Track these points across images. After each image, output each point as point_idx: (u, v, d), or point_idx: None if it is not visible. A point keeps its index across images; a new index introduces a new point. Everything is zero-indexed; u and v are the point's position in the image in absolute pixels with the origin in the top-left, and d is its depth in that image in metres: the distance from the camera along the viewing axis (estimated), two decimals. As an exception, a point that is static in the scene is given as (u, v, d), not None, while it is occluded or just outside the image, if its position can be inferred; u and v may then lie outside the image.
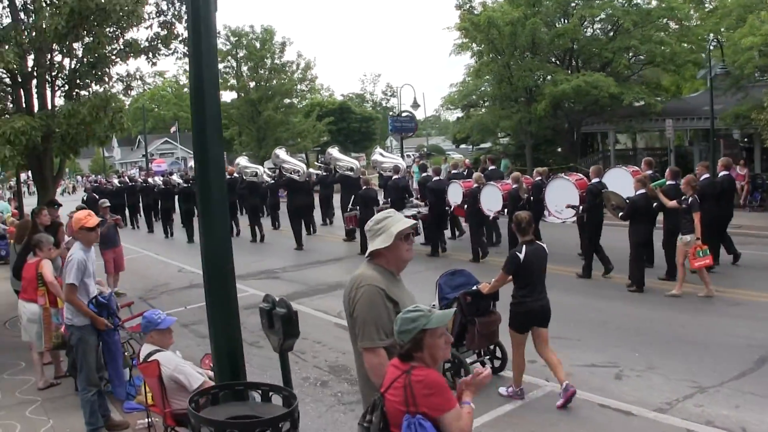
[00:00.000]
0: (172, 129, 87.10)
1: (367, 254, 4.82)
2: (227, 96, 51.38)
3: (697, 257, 12.78)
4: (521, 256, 8.17)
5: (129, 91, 15.95)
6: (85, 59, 14.83)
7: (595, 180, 15.40)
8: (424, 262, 17.97)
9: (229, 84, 50.63)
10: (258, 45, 49.87)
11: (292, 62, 51.28)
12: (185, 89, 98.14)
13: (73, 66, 14.92)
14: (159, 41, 15.62)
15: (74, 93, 14.87)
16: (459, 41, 35.37)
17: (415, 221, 4.90)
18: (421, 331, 4.01)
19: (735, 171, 25.19)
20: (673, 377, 9.10)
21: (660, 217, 14.88)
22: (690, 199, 13.02)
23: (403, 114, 35.72)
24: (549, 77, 31.07)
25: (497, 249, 18.94)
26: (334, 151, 26.02)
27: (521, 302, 8.26)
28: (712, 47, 25.07)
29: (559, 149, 37.09)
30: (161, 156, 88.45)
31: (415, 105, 35.99)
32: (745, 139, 29.99)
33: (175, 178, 30.62)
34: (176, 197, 27.50)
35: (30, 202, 29.94)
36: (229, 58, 49.93)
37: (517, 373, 8.54)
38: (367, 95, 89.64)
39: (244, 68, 50.46)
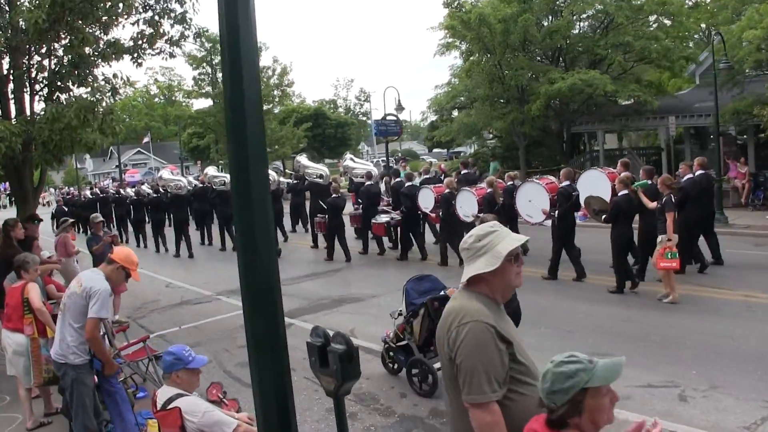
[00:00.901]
0: (145, 139, 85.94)
1: (464, 279, 3.83)
2: (203, 103, 50.19)
3: (665, 259, 12.58)
4: None
5: (115, 95, 14.23)
6: (65, 59, 13.62)
7: (565, 183, 15.36)
8: (394, 266, 18.58)
9: (204, 91, 49.50)
10: (233, 51, 48.53)
11: (268, 67, 50.14)
12: (156, 99, 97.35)
13: (53, 67, 13.74)
14: (144, 40, 14.36)
15: (55, 96, 13.62)
16: (444, 41, 34.73)
17: (526, 237, 3.94)
18: (582, 390, 2.96)
19: (735, 169, 24.49)
20: (743, 397, 8.27)
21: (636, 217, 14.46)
22: (664, 199, 12.91)
23: (388, 117, 34.71)
24: (542, 76, 30.03)
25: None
26: (302, 159, 26.82)
27: None
28: (714, 41, 24.16)
29: (545, 150, 36.41)
30: (134, 166, 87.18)
31: (399, 108, 34.95)
32: (744, 136, 29.36)
33: (145, 188, 30.56)
34: (146, 207, 27.74)
35: (6, 216, 28.61)
36: (204, 64, 48.72)
37: None
38: (340, 101, 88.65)
39: (220, 75, 49.15)
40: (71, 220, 15.60)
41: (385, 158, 74.19)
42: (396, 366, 9.63)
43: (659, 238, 12.83)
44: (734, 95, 25.44)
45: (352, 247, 20.62)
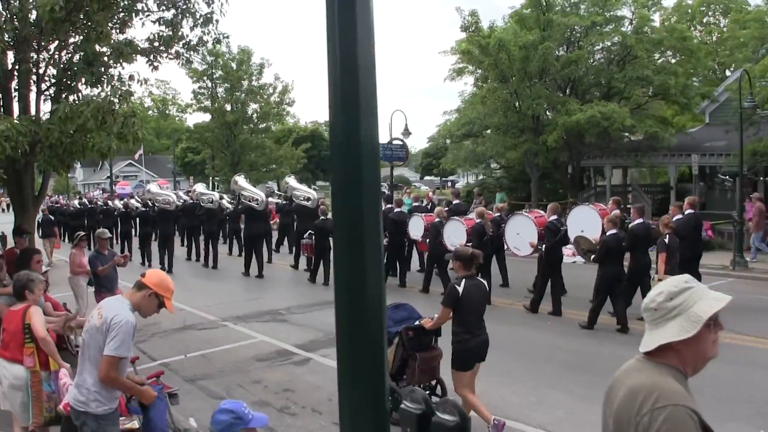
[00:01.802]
0: (138, 153, 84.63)
1: (650, 348, 3.06)
2: (201, 117, 49.20)
3: None
4: (460, 289, 8.01)
5: (129, 97, 12.46)
6: (78, 55, 12.45)
7: (552, 218, 15.46)
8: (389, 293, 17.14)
9: (203, 105, 48.48)
10: (234, 66, 47.65)
11: (270, 85, 49.14)
12: (150, 111, 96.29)
13: (63, 64, 12.51)
14: (160, 42, 13.21)
15: (63, 97, 12.35)
16: (456, 66, 33.69)
17: (729, 297, 3.06)
18: None
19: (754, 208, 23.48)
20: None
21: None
22: (659, 240, 13.21)
23: (394, 141, 33.62)
24: (560, 106, 29.05)
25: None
26: (291, 180, 26.82)
27: (462, 339, 8.08)
28: (730, 79, 23.35)
29: (548, 183, 35.50)
30: (125, 178, 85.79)
31: (407, 132, 33.92)
32: (760, 177, 28.55)
33: (134, 201, 30.93)
34: (133, 221, 28.12)
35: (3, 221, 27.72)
36: (205, 78, 47.67)
37: (480, 410, 8.14)
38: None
39: (220, 89, 48.19)
40: (83, 234, 14.45)
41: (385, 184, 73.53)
42: None
43: (653, 278, 13.14)
44: (749, 135, 24.47)
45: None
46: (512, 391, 10.19)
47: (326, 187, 54.92)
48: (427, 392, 8.87)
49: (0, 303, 8.84)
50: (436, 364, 8.95)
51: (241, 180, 25.40)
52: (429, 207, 22.59)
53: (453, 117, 35.99)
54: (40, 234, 25.91)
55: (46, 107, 12.68)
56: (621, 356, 9.76)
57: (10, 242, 19.37)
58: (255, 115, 48.74)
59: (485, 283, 8.61)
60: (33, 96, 12.55)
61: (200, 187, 29.30)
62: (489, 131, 31.57)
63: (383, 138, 40.17)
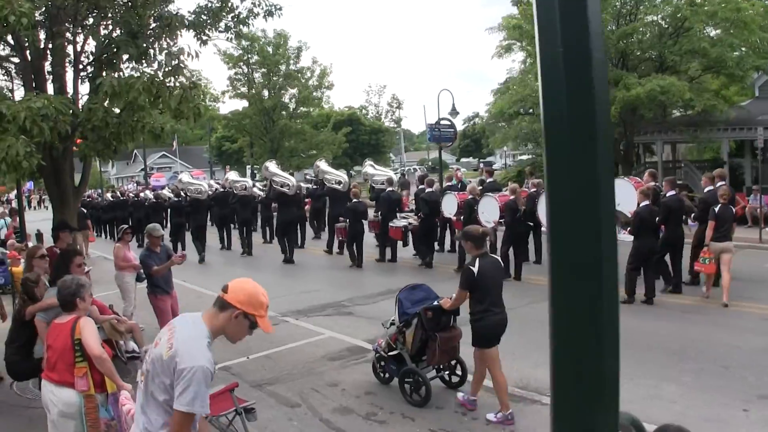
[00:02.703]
0: (174, 144, 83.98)
1: None
2: (237, 104, 48.20)
3: (698, 262, 13.81)
4: (475, 270, 7.96)
5: (181, 71, 10.53)
6: (121, 28, 10.97)
7: None
8: (414, 274, 17.83)
9: (239, 92, 47.36)
10: (271, 50, 46.51)
11: (307, 68, 48.01)
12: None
13: (104, 38, 11.10)
14: (208, 14, 11.87)
15: (104, 75, 10.88)
16: (505, 42, 32.44)
17: None
18: None
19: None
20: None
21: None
22: (717, 208, 13.46)
23: (442, 121, 32.31)
24: (613, 81, 27.56)
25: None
26: (322, 164, 26.60)
27: (482, 318, 8.03)
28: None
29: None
30: (159, 170, 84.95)
31: (454, 112, 32.65)
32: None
33: (166, 192, 30.53)
34: (165, 212, 28.08)
35: (36, 219, 26.92)
36: (241, 63, 46.57)
37: (501, 394, 8.15)
38: (371, 107, 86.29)
39: (257, 75, 47.08)
40: (129, 227, 13.24)
41: (417, 167, 71.94)
42: (386, 375, 9.61)
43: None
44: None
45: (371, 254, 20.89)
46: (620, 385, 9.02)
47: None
48: (447, 372, 9.42)
49: (38, 320, 7.71)
50: (456, 344, 8.93)
51: (272, 166, 24.99)
52: (459, 187, 22.41)
53: (498, 97, 34.60)
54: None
55: (84, 89, 11.39)
56: (717, 340, 11.14)
57: (47, 241, 18.37)
58: (293, 101, 47.65)
59: (499, 260, 8.76)
60: (70, 77, 11.30)
61: (233, 175, 29.60)
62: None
63: (431, 118, 38.91)
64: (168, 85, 9.74)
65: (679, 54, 28.05)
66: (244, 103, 48.57)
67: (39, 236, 19.79)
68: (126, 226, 13.50)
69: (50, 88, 10.97)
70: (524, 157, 60.49)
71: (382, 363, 9.56)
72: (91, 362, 6.00)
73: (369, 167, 27.08)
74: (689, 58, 28.08)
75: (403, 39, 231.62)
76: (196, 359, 3.90)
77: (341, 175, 25.66)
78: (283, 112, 46.96)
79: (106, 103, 9.65)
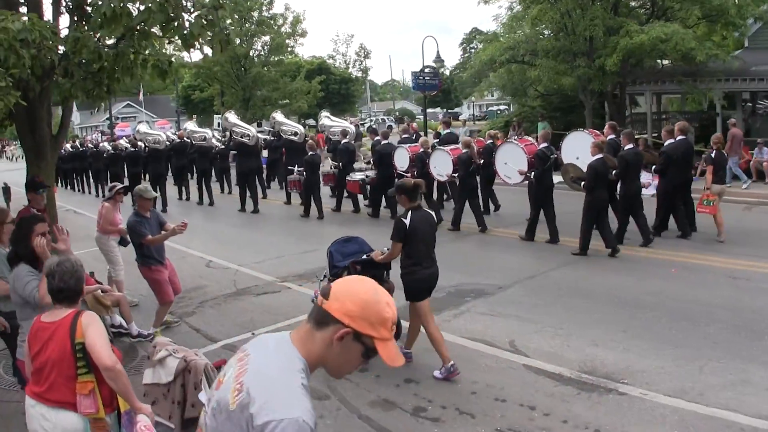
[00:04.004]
0: (140, 94, 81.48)
1: None
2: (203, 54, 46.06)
3: (702, 205, 14.18)
4: (407, 221, 7.91)
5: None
6: None
7: (543, 145, 15.24)
8: (367, 224, 17.98)
9: (209, 40, 45.33)
10: (243, -5, 44.64)
11: (280, 15, 46.19)
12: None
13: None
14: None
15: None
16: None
17: None
18: None
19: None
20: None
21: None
22: (714, 153, 14.33)
23: (426, 69, 30.78)
24: (618, 27, 26.20)
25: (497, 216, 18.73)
26: (278, 115, 26.48)
27: (412, 271, 8.03)
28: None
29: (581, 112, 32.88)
30: (124, 120, 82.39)
31: (439, 60, 31.22)
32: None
33: (122, 142, 29.93)
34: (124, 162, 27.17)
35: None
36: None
37: (438, 346, 8.03)
38: (339, 56, 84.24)
39: (228, 21, 44.94)
40: (122, 186, 11.55)
41: (384, 117, 70.40)
42: None
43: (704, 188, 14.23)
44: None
45: (326, 204, 20.75)
46: (698, 367, 7.95)
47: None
48: None
49: None
50: None
51: (231, 116, 25.68)
52: (414, 138, 21.93)
53: (487, 45, 33.03)
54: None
55: (64, 21, 9.30)
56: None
57: (17, 195, 16.57)
58: (265, 48, 45.83)
59: (432, 213, 8.51)
60: (48, 7, 9.40)
61: (191, 125, 29.50)
62: (541, 57, 28.55)
63: (415, 66, 37.26)
64: (185, 4, 7.77)
65: (678, 1, 26.69)
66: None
67: (6, 191, 17.66)
68: (120, 184, 11.69)
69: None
70: (500, 108, 59.30)
71: None
72: (99, 373, 4.45)
73: (325, 119, 27.31)
74: (689, 5, 26.68)
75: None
76: (285, 408, 2.41)
77: (297, 126, 25.94)
78: (255, 60, 45.01)
79: (98, 32, 7.78)
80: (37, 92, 8.69)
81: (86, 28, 7.97)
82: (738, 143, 22.45)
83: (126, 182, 24.49)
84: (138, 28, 7.71)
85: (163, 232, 9.76)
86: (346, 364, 2.72)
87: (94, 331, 4.44)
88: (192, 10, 7.56)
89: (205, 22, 7.71)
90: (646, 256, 13.41)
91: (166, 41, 8.47)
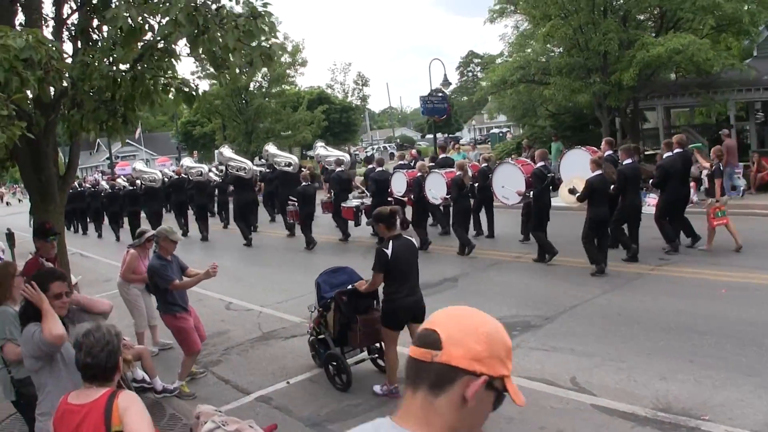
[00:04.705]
0: (137, 131, 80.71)
1: None
2: (206, 86, 45.38)
3: (716, 217, 14.09)
4: (389, 252, 7.79)
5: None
6: None
7: (540, 164, 15.15)
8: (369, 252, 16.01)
9: (209, 72, 44.73)
10: (243, 26, 43.99)
11: (281, 44, 45.47)
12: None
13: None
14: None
15: (96, 26, 7.98)
16: (498, 6, 30.66)
17: None
18: None
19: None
20: None
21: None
22: (715, 166, 14.41)
23: (433, 93, 30.03)
24: (632, 41, 25.47)
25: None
26: (270, 147, 27.01)
27: (392, 299, 7.96)
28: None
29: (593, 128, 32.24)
30: (123, 159, 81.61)
31: (446, 83, 30.46)
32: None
33: (120, 181, 30.57)
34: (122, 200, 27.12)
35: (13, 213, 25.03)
36: (212, 41, 43.97)
37: (391, 371, 8.13)
38: (337, 85, 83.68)
39: (267, 28, 44.42)
40: (151, 233, 10.48)
41: (386, 145, 69.74)
42: (320, 358, 9.29)
43: (708, 201, 14.42)
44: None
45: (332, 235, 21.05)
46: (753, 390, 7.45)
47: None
48: (376, 356, 9.23)
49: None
50: (378, 327, 8.43)
51: (226, 150, 25.68)
52: (412, 164, 21.54)
53: (496, 65, 32.40)
54: (32, 221, 24.48)
55: (67, 48, 8.18)
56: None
57: (21, 240, 15.62)
58: (266, 79, 45.15)
59: (413, 240, 8.36)
60: (47, 32, 8.27)
61: (188, 161, 29.63)
62: (554, 75, 27.78)
63: (412, 92, 36.50)
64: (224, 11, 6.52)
65: (692, 11, 25.90)
66: (214, 84, 46.01)
67: (10, 236, 16.58)
68: (150, 231, 10.75)
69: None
70: (502, 131, 58.63)
71: (316, 346, 9.35)
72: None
73: (321, 149, 27.66)
74: (702, 14, 25.92)
75: (357, 16, 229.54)
76: None
77: (291, 156, 26.66)
78: (256, 92, 44.38)
79: (111, 54, 6.62)
80: (42, 127, 7.49)
81: (95, 52, 6.91)
82: (733, 154, 22.03)
83: (125, 221, 26.23)
84: (159, 46, 6.65)
85: (185, 278, 8.99)
86: (477, 424, 2.07)
87: (134, 417, 3.59)
88: (225, 21, 6.40)
89: (243, 34, 6.56)
90: (683, 276, 12.69)
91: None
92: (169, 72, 7.01)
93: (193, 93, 7.21)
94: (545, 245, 14.85)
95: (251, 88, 44.49)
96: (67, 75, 6.17)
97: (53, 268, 5.47)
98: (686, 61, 24.28)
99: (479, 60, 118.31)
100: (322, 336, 9.13)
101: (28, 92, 5.85)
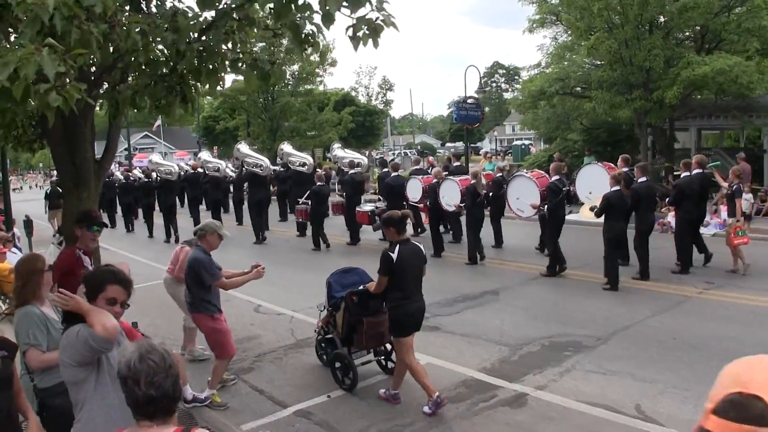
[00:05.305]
0: (156, 123, 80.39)
1: None
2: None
3: (738, 236, 14.02)
4: (394, 256, 7.61)
5: None
6: None
7: (555, 178, 15.16)
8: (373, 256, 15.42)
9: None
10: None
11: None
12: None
13: None
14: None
15: None
16: (538, 16, 29.90)
17: None
18: None
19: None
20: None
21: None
22: (735, 186, 14.50)
23: (469, 100, 29.34)
24: (671, 60, 24.77)
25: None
26: (286, 147, 26.86)
27: (399, 305, 7.76)
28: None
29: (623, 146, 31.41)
30: (141, 151, 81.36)
31: (481, 90, 29.76)
32: None
33: (136, 173, 30.23)
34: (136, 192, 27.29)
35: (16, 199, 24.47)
36: (240, 36, 43.44)
37: (398, 377, 8.05)
38: (361, 89, 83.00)
39: (256, 48, 43.79)
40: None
41: (407, 151, 69.15)
42: (327, 358, 9.28)
43: (729, 221, 14.74)
44: None
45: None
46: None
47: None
48: (382, 357, 9.14)
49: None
50: (383, 330, 8.52)
51: (243, 147, 25.59)
52: (429, 171, 22.08)
53: (538, 73, 31.73)
54: (47, 207, 26.58)
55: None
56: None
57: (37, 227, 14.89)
58: (294, 77, 44.50)
59: (421, 246, 8.12)
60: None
61: (205, 155, 29.86)
62: (595, 89, 26.96)
63: (445, 99, 35.95)
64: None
65: (736, 32, 25.17)
66: (240, 79, 45.39)
67: (28, 224, 15.86)
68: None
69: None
70: (524, 143, 58.04)
71: (323, 344, 9.36)
72: None
73: (338, 150, 27.40)
74: (746, 36, 25.18)
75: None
76: None
77: (306, 157, 26.51)
78: (284, 89, 43.71)
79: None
80: (82, 105, 5.95)
81: (157, 18, 5.84)
82: (747, 177, 21.51)
83: (140, 213, 26.58)
84: (235, 15, 5.70)
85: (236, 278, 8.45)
86: None
87: None
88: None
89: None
90: (732, 302, 12.18)
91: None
92: (239, 46, 6.14)
93: (268, 70, 6.33)
94: (558, 258, 14.86)
95: (278, 86, 43.89)
96: (138, 30, 5.16)
97: (117, 269, 4.45)
98: (729, 83, 23.40)
99: (504, 71, 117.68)
100: (330, 336, 9.08)
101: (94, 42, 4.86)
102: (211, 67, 5.92)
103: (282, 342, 10.59)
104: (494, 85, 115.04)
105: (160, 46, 5.75)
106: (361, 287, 8.72)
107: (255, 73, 6.07)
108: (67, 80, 4.50)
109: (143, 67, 6.03)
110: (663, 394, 8.00)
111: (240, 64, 6.10)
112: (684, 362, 9.06)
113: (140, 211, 26.76)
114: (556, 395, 7.97)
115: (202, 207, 26.18)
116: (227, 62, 6.12)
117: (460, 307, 12.44)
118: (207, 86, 6.25)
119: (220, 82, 6.27)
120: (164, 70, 6.19)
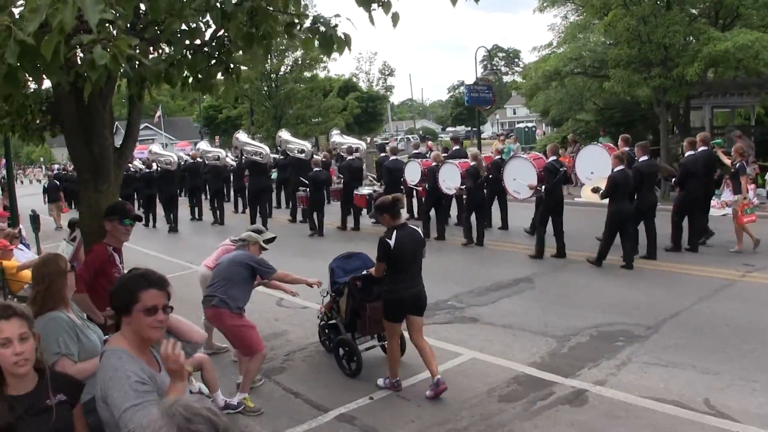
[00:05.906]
0: (157, 114, 79.82)
1: None
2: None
3: (745, 215, 13.94)
4: (391, 242, 7.54)
5: None
6: None
7: (552, 158, 15.13)
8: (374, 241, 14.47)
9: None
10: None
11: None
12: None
13: None
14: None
15: None
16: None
17: None
18: None
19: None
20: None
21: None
22: (738, 164, 14.20)
23: (480, 83, 28.73)
24: (690, 36, 24.16)
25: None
26: (284, 134, 26.54)
27: (393, 290, 7.71)
28: None
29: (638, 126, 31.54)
30: (142, 142, 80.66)
31: (492, 72, 29.15)
32: None
33: (137, 163, 29.87)
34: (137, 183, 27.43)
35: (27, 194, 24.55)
36: (241, 23, 42.91)
37: (393, 364, 7.98)
38: (362, 75, 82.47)
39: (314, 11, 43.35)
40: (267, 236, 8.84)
41: (408, 136, 68.72)
42: (330, 344, 9.26)
43: (734, 198, 14.41)
44: None
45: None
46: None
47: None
48: (384, 342, 8.77)
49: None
50: None
51: (242, 135, 25.88)
52: (427, 155, 21.75)
53: (545, 53, 31.13)
54: (46, 200, 27.16)
55: None
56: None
57: (43, 220, 14.32)
58: (297, 63, 43.86)
59: (419, 230, 8.05)
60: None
61: (204, 145, 30.21)
62: (613, 68, 26.30)
63: (444, 84, 35.32)
64: None
65: (754, 7, 24.62)
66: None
67: (35, 219, 15.20)
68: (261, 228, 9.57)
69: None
70: (527, 125, 57.47)
71: (326, 330, 9.35)
72: None
73: (336, 136, 27.73)
74: (765, 10, 24.63)
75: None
76: None
77: (304, 143, 26.19)
78: (288, 76, 43.10)
79: None
80: (101, 86, 5.09)
81: None
82: (749, 153, 21.14)
83: (140, 203, 26.86)
84: None
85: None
86: None
87: None
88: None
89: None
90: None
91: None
92: (292, 9, 5.08)
93: (332, 36, 5.10)
94: (540, 243, 14.88)
95: (282, 72, 43.24)
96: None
97: (144, 270, 3.79)
98: (749, 59, 22.77)
99: (504, 54, 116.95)
100: (333, 321, 9.02)
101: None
102: (261, 33, 5.02)
103: (311, 338, 9.90)
104: (494, 68, 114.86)
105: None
106: (364, 272, 8.63)
107: (317, 38, 5.08)
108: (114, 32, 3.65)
109: (178, 35, 5.11)
110: (730, 387, 7.45)
111: (298, 28, 5.13)
112: (744, 351, 8.53)
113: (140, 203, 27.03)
114: (618, 391, 7.40)
115: (203, 197, 26.59)
116: (281, 27, 5.19)
117: (495, 296, 11.85)
118: (255, 56, 5.40)
119: (271, 50, 5.52)
120: (205, 38, 5.35)
